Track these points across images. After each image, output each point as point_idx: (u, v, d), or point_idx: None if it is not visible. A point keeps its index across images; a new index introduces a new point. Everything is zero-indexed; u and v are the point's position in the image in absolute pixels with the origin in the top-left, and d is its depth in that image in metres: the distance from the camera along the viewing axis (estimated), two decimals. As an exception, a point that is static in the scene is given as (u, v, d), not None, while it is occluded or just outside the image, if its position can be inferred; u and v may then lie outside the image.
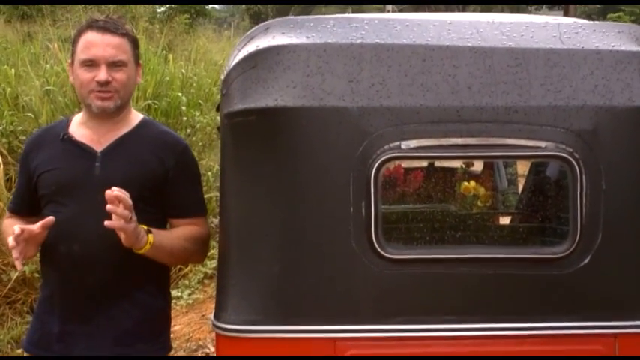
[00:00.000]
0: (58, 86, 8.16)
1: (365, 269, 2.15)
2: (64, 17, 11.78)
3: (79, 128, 2.61)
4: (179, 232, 2.56)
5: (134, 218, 2.33)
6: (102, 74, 2.46)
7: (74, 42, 2.56)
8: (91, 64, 2.48)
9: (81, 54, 2.50)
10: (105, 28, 2.50)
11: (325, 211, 2.16)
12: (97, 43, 2.48)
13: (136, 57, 2.60)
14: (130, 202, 2.31)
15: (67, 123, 2.66)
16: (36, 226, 2.37)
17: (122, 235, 2.31)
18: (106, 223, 2.27)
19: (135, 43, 2.59)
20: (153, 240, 2.41)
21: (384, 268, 2.15)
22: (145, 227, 2.41)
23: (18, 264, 2.39)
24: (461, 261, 2.17)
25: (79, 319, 2.53)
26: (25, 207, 2.67)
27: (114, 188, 2.29)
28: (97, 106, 2.50)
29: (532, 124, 2.12)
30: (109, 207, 2.26)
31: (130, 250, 2.44)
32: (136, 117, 2.66)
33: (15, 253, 2.34)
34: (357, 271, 2.16)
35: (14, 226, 2.36)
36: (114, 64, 2.48)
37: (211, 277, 6.34)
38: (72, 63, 2.57)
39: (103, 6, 13.00)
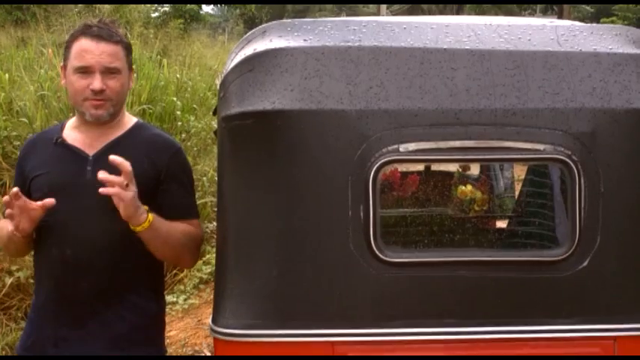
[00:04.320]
0: (52, 91, 8.13)
1: (363, 272, 2.14)
2: (57, 22, 11.76)
3: (72, 132, 2.60)
4: (176, 225, 2.52)
5: (133, 188, 2.31)
6: (96, 83, 2.44)
7: (67, 46, 2.53)
8: (85, 71, 2.46)
9: (75, 61, 2.48)
10: (99, 35, 2.48)
11: (323, 214, 2.16)
12: (91, 50, 2.46)
13: (130, 63, 2.58)
14: (130, 168, 2.29)
15: (61, 127, 2.64)
16: (35, 203, 2.36)
17: (120, 205, 2.29)
18: (101, 190, 2.26)
19: (128, 49, 2.57)
20: (152, 219, 2.38)
21: (383, 271, 2.14)
22: (146, 207, 2.39)
23: (9, 224, 2.38)
24: (459, 264, 2.17)
25: (73, 323, 2.51)
26: None
27: (112, 156, 2.30)
28: (91, 114, 2.49)
29: (530, 127, 2.12)
30: (101, 174, 2.26)
31: (124, 254, 2.45)
32: (129, 120, 2.65)
33: (7, 211, 2.33)
34: (355, 275, 2.15)
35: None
36: (108, 72, 2.47)
37: (207, 282, 6.33)
38: (64, 67, 2.55)
39: (97, 10, 13.01)
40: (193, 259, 2.68)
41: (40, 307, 2.60)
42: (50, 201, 2.36)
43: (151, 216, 2.38)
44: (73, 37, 2.52)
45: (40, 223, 2.50)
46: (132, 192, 2.30)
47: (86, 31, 2.50)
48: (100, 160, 2.49)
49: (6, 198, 2.32)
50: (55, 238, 2.49)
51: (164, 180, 2.55)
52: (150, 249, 2.46)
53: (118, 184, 2.27)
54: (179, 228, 2.51)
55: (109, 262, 2.47)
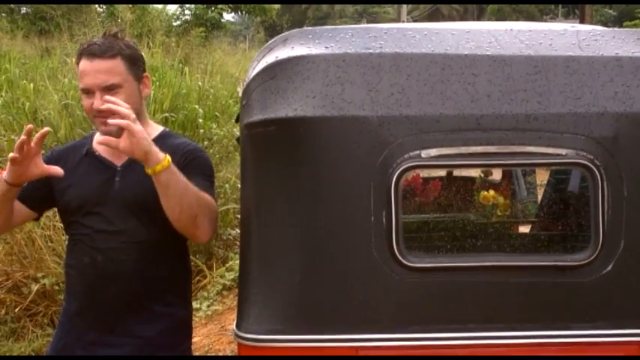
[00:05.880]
0: (76, 100, 8.22)
1: (386, 278, 2.15)
2: (81, 32, 11.87)
3: (99, 145, 2.62)
4: (193, 185, 2.42)
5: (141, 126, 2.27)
6: (96, 102, 2.45)
7: (77, 68, 2.57)
8: (87, 91, 2.49)
9: (79, 82, 2.53)
10: (93, 54, 2.49)
11: (346, 220, 2.16)
12: (87, 71, 2.48)
13: (136, 72, 2.56)
14: (130, 111, 2.26)
15: (91, 138, 2.69)
16: (42, 164, 2.37)
17: (133, 142, 2.24)
18: (110, 120, 2.23)
19: (130, 59, 2.55)
20: (169, 162, 2.30)
21: (405, 276, 2.15)
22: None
23: (6, 173, 2.36)
24: (482, 269, 2.17)
25: (101, 328, 2.56)
26: (29, 198, 2.61)
27: (108, 97, 2.30)
28: (102, 131, 2.49)
29: (552, 132, 2.12)
30: (110, 120, 2.24)
31: (153, 261, 2.48)
32: (154, 130, 2.68)
33: (14, 154, 2.31)
34: (378, 280, 2.16)
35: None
36: (107, 89, 2.47)
37: (230, 288, 6.35)
38: None
39: (119, 19, 13.14)
40: (209, 228, 2.49)
41: (71, 312, 2.65)
42: (57, 170, 2.38)
43: (169, 158, 2.31)
44: (77, 58, 2.55)
45: (71, 232, 2.59)
46: (141, 127, 2.27)
47: (84, 50, 2.52)
48: (128, 170, 2.53)
49: (29, 126, 2.30)
50: (87, 247, 2.55)
51: (182, 169, 2.46)
52: (166, 203, 2.35)
53: (125, 117, 2.22)
54: (195, 188, 2.41)
55: (137, 269, 2.50)
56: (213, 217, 2.51)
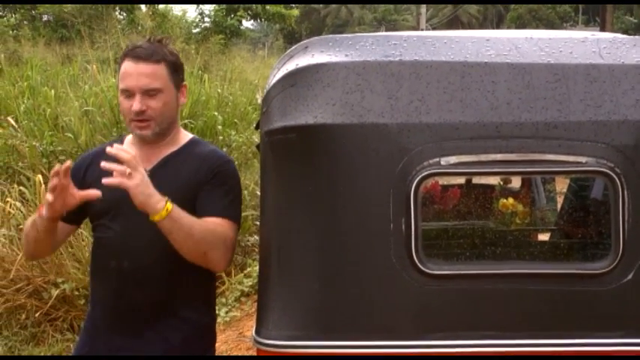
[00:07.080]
0: (96, 107, 8.30)
1: (405, 285, 2.15)
2: (101, 39, 12.01)
3: (130, 148, 2.61)
4: (202, 221, 2.45)
5: (138, 176, 2.28)
6: (135, 104, 2.48)
7: (118, 68, 2.59)
8: (127, 93, 2.51)
9: (120, 83, 2.55)
10: (138, 56, 2.51)
11: (365, 227, 2.17)
12: (130, 73, 2.51)
13: (176, 80, 2.59)
14: (127, 156, 2.27)
15: (121, 142, 2.69)
16: (77, 192, 2.38)
17: (131, 194, 2.28)
18: (104, 180, 2.25)
19: (174, 67, 2.58)
20: (171, 209, 2.32)
21: (424, 283, 2.15)
22: (166, 197, 2.35)
23: (45, 210, 2.37)
24: (501, 277, 2.16)
25: (127, 334, 2.56)
26: (65, 216, 2.59)
27: (108, 148, 2.30)
28: (137, 134, 2.55)
29: (572, 140, 2.11)
30: (102, 164, 2.26)
31: (178, 266, 2.46)
32: (184, 137, 2.69)
33: (49, 196, 2.33)
34: (397, 287, 2.16)
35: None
36: (148, 92, 2.50)
37: (248, 295, 6.36)
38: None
39: (140, 27, 13.25)
40: (223, 260, 2.50)
41: (95, 317, 2.66)
42: (94, 192, 2.38)
43: (169, 205, 2.32)
44: (121, 59, 2.57)
45: (97, 235, 2.60)
46: (136, 180, 2.27)
47: (129, 52, 2.55)
48: (156, 175, 2.50)
49: (57, 167, 2.30)
50: (113, 251, 2.55)
51: (207, 183, 2.54)
52: (173, 244, 2.39)
53: (119, 173, 2.26)
54: (204, 224, 2.44)
55: (164, 274, 2.51)
56: (228, 248, 2.51)
